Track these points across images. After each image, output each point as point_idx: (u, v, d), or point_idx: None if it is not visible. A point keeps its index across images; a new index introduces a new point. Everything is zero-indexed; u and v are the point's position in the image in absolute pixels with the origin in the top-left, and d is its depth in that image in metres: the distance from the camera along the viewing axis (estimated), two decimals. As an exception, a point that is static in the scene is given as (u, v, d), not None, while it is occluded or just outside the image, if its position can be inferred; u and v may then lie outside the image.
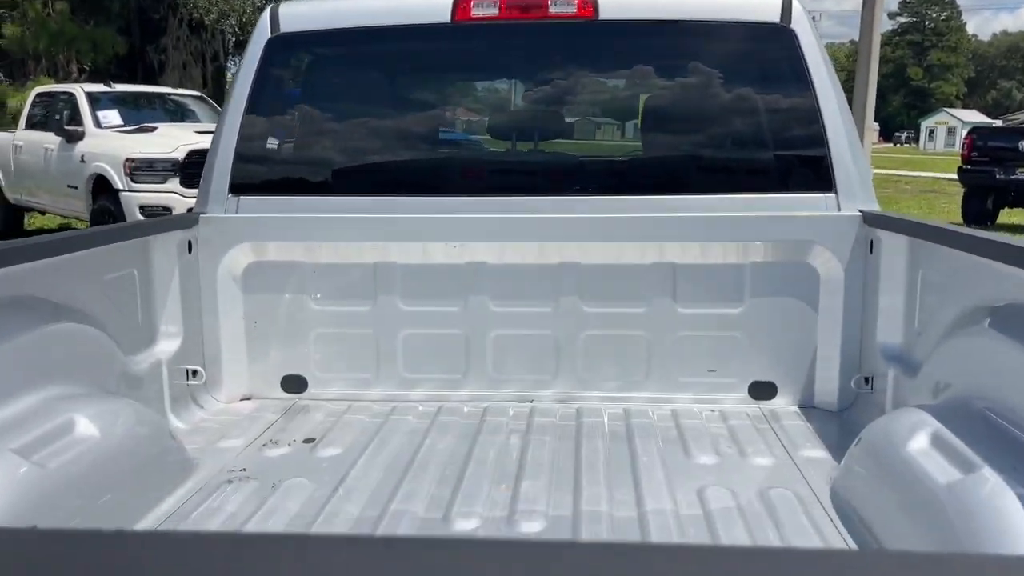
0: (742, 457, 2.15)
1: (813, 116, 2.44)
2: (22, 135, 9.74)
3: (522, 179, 2.57)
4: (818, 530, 1.74)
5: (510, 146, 2.66)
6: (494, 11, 2.47)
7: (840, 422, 2.38)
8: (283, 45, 2.56)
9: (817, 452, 2.19)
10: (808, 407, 2.51)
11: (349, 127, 2.62)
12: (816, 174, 2.46)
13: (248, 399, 2.62)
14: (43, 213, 10.00)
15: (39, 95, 10.03)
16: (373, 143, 2.62)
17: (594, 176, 2.62)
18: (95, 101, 9.00)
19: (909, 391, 2.10)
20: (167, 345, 2.41)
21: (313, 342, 2.59)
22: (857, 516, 1.77)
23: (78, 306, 2.02)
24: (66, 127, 8.73)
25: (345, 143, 2.64)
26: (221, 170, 2.58)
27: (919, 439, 1.68)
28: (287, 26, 2.55)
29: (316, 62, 2.63)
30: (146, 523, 1.78)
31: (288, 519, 1.81)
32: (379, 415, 2.46)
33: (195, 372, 2.49)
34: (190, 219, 2.51)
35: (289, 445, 2.25)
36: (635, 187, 2.54)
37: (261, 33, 2.55)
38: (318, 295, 2.56)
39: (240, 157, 2.56)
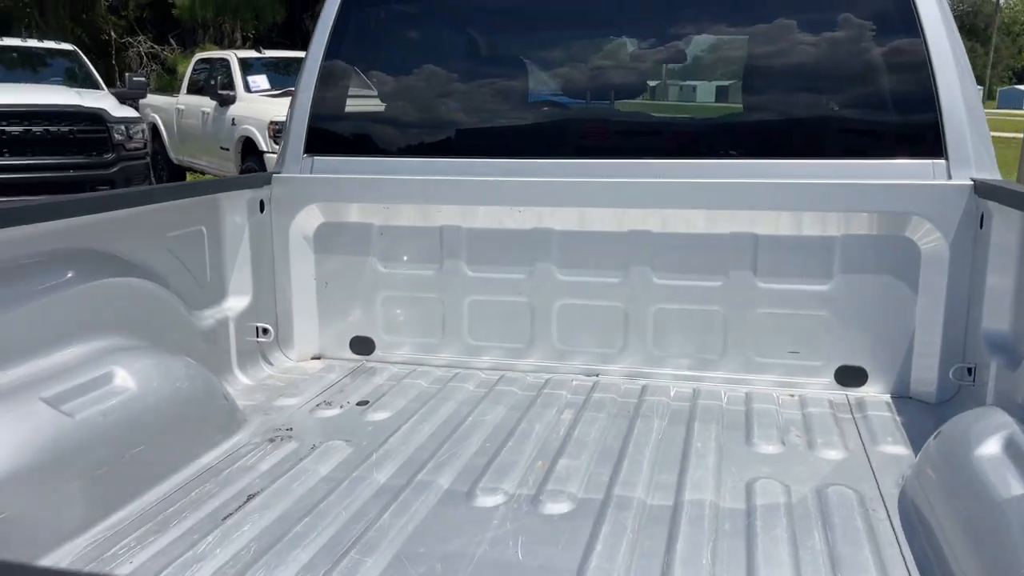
0: (809, 448, 1.96)
1: (923, 73, 2.16)
2: (183, 99, 10.38)
3: (596, 141, 2.43)
4: (872, 536, 1.54)
5: (585, 107, 2.53)
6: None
7: (937, 416, 2.11)
8: (358, 2, 2.53)
9: (899, 448, 1.96)
10: (902, 398, 2.26)
11: (422, 86, 2.56)
12: (924, 137, 2.18)
13: (318, 359, 2.65)
14: (203, 174, 10.65)
15: (199, 61, 10.65)
16: (445, 104, 2.55)
17: (675, 138, 2.44)
18: (247, 67, 9.45)
19: (1015, 386, 1.83)
20: (235, 302, 2.46)
21: (380, 305, 2.57)
22: (921, 523, 1.56)
23: (138, 261, 2.07)
24: (220, 91, 9.22)
25: (417, 103, 2.58)
26: (297, 130, 2.59)
27: (996, 442, 1.45)
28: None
29: (391, 18, 2.58)
30: (178, 477, 1.81)
31: (314, 482, 1.80)
32: (439, 381, 2.41)
33: (265, 330, 2.53)
34: (262, 178, 2.54)
35: (341, 407, 2.24)
36: (716, 151, 2.34)
37: (335, -11, 2.53)
38: (404, 257, 2.53)
39: (315, 117, 2.56)
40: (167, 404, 1.86)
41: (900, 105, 2.24)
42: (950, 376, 2.16)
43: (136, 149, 8.59)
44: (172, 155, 10.76)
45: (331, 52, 2.53)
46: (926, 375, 2.22)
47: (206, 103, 9.59)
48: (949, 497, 1.50)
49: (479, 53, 2.70)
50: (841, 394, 2.28)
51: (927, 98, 2.17)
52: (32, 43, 10.46)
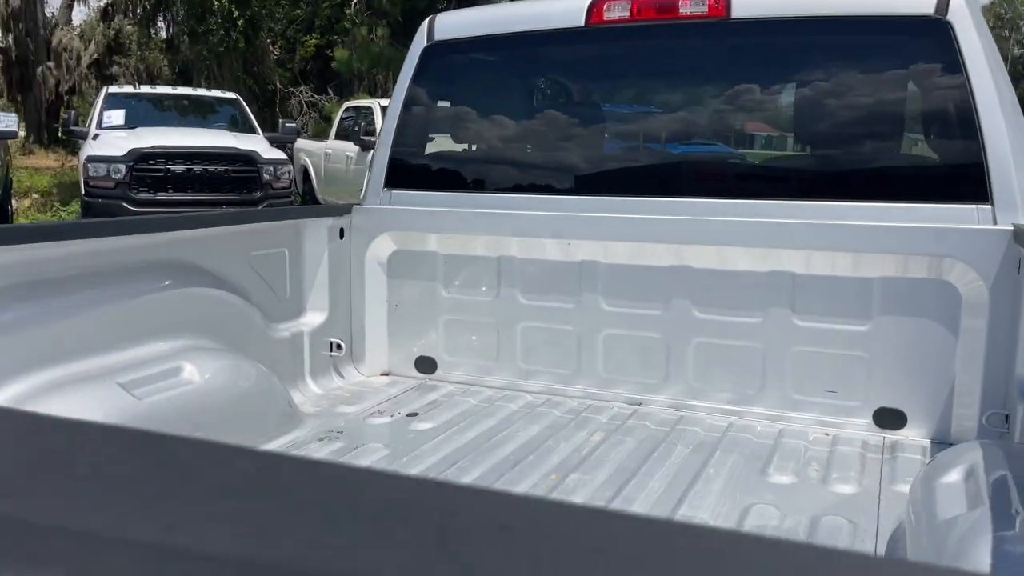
0: (823, 483, 1.98)
1: (968, 118, 2.17)
2: (331, 144, 11.16)
3: (644, 181, 2.55)
4: None
5: (635, 147, 2.65)
6: (626, 14, 2.49)
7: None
8: (437, 52, 2.78)
9: None
10: (942, 443, 2.22)
11: (488, 128, 2.77)
12: (968, 183, 2.18)
13: (386, 375, 2.87)
14: (344, 213, 11.33)
15: (347, 109, 11.44)
16: (507, 145, 2.75)
17: (726, 180, 2.53)
18: (388, 114, 10.07)
19: None
20: (312, 318, 2.72)
21: (443, 328, 2.77)
22: (894, 552, 1.58)
23: (222, 274, 2.36)
24: (363, 137, 9.86)
25: (483, 144, 2.79)
26: (379, 167, 2.85)
27: (954, 476, 1.47)
28: (441, 34, 2.76)
29: (464, 66, 2.82)
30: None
31: None
32: (488, 400, 2.58)
33: (338, 345, 2.78)
34: (343, 208, 2.81)
35: (392, 416, 2.44)
36: (761, 192, 2.42)
37: (418, 42, 2.79)
38: (464, 284, 2.72)
39: (394, 155, 2.82)
40: (228, 399, 2.11)
41: (945, 150, 2.25)
42: (984, 422, 2.12)
43: (282, 188, 9.32)
44: (319, 195, 11.54)
45: (409, 100, 2.79)
46: (966, 422, 2.19)
47: (350, 147, 10.27)
48: (909, 526, 1.52)
49: (534, 98, 2.89)
50: (879, 436, 2.27)
51: (972, 143, 2.17)
52: (202, 92, 11.54)
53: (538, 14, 2.64)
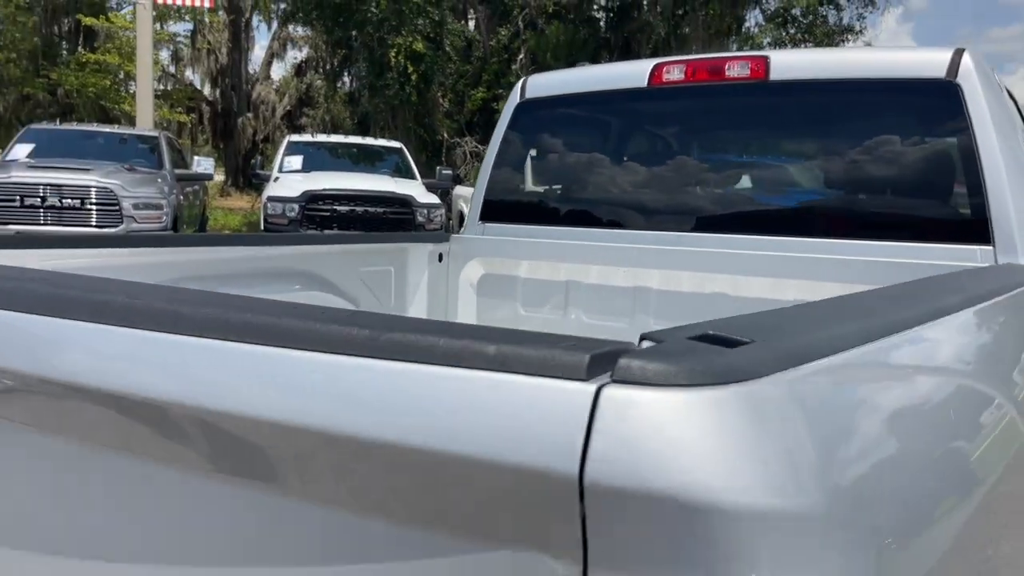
0: None
1: (974, 171, 2.42)
2: (483, 190, 11.96)
3: (690, 219, 2.92)
4: None
5: (689, 191, 3.02)
6: (681, 76, 2.90)
7: None
8: (527, 108, 3.28)
9: None
10: None
11: (566, 172, 3.23)
12: (973, 227, 2.42)
13: None
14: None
15: (499, 158, 12.24)
16: (581, 186, 3.20)
17: (769, 220, 2.86)
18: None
19: None
20: None
21: None
22: None
23: (338, 284, 2.94)
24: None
25: (563, 185, 3.26)
26: (476, 203, 3.38)
27: None
28: (531, 93, 3.27)
29: (549, 120, 3.29)
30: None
31: None
32: None
33: None
34: (444, 236, 3.35)
35: None
36: (797, 230, 2.73)
37: (513, 99, 3.31)
38: (554, 307, 3.18)
39: (488, 194, 3.33)
40: None
41: (955, 198, 2.50)
42: None
43: (435, 230, 10.12)
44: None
45: (503, 148, 3.31)
46: None
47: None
48: None
49: (608, 150, 3.30)
50: None
51: (977, 194, 2.41)
52: (370, 141, 12.67)
53: (610, 75, 3.10)
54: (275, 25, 35.41)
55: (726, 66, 2.81)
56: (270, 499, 0.78)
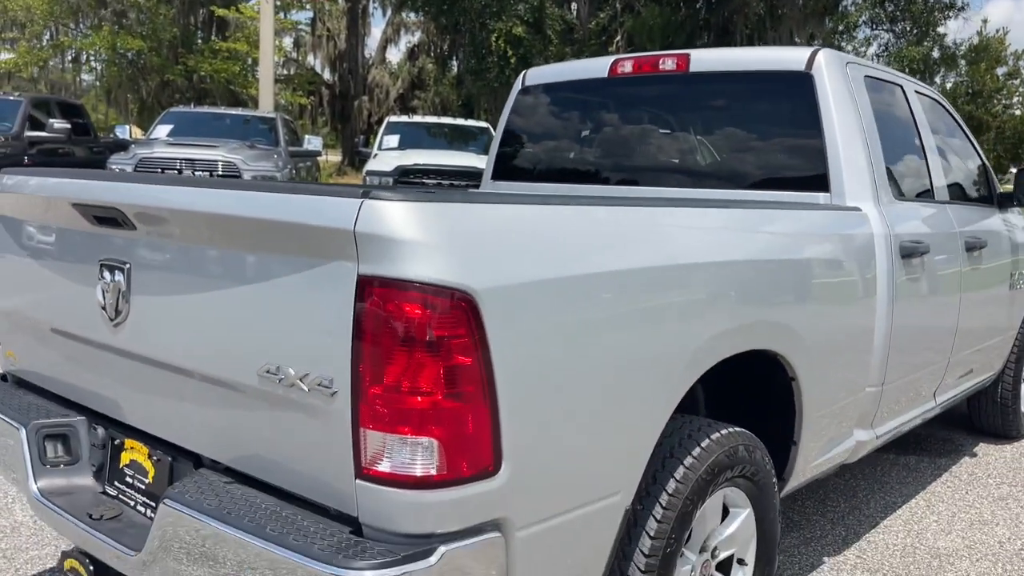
0: None
1: (819, 138, 3.30)
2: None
3: (637, 175, 3.89)
4: None
5: (635, 155, 3.98)
6: (630, 69, 3.88)
7: None
8: (526, 93, 4.32)
9: None
10: None
11: (554, 142, 4.25)
12: (818, 179, 3.31)
13: None
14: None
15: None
16: (564, 152, 4.21)
17: (674, 178, 3.80)
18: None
19: None
20: None
21: None
22: None
23: None
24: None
25: (552, 152, 4.28)
26: (489, 166, 4.43)
27: None
28: (529, 82, 4.30)
29: (542, 103, 4.31)
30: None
31: None
32: None
33: None
34: (466, 188, 4.42)
35: None
36: (701, 184, 3.68)
37: (516, 86, 4.34)
38: None
39: (498, 160, 4.38)
40: None
41: (807, 158, 3.38)
42: None
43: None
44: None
45: (508, 124, 4.34)
46: None
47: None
48: None
49: (583, 126, 4.27)
50: None
51: (821, 155, 3.29)
52: (460, 121, 13.87)
53: (584, 68, 4.09)
54: (390, 11, 37.09)
55: (660, 61, 3.77)
56: (220, 252, 1.87)
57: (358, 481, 1.69)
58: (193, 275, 1.99)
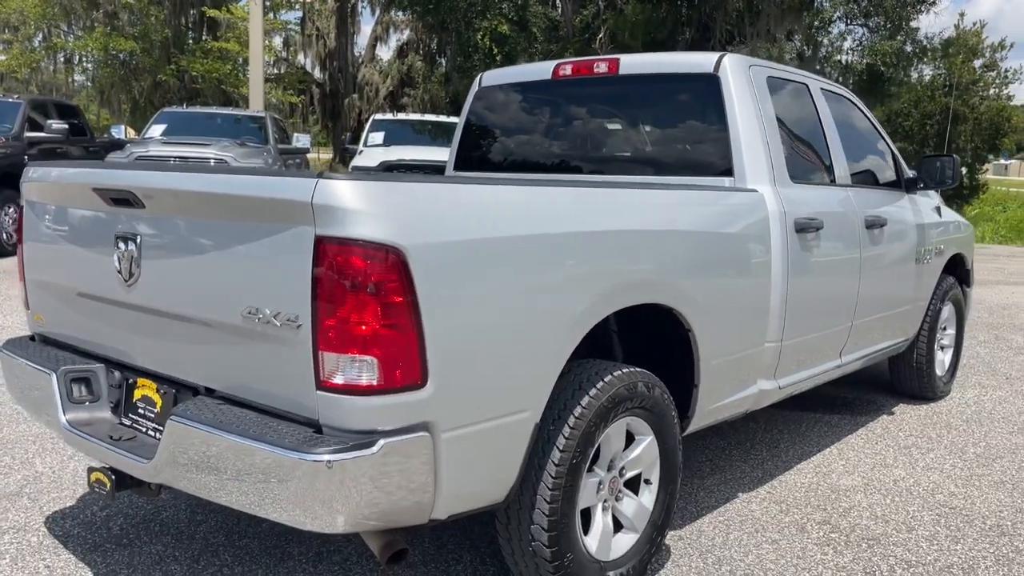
0: None
1: (725, 130, 3.86)
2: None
3: (576, 164, 4.44)
4: None
5: (574, 147, 4.53)
6: (570, 72, 4.43)
7: None
8: (482, 93, 4.86)
9: None
10: None
11: (507, 136, 4.80)
12: (725, 166, 3.87)
13: None
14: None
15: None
16: (517, 144, 4.76)
17: (606, 165, 4.35)
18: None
19: None
20: None
21: None
22: None
23: None
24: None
25: (505, 145, 4.83)
26: (452, 158, 4.98)
27: None
28: (485, 83, 4.84)
29: (496, 101, 4.86)
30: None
31: None
32: None
33: None
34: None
35: None
36: (628, 172, 4.23)
37: (474, 87, 4.89)
38: None
39: (459, 151, 4.94)
40: None
41: (715, 148, 3.93)
42: None
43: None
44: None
45: (467, 119, 4.90)
46: None
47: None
48: None
49: (532, 121, 4.82)
50: None
51: (727, 144, 3.85)
52: (443, 118, 14.40)
53: (532, 71, 4.64)
54: (378, 10, 37.52)
55: (595, 65, 4.33)
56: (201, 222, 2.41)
57: (318, 392, 2.24)
58: (190, 241, 2.54)
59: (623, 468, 3.08)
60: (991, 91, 26.70)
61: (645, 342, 3.37)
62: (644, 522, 3.14)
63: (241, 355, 2.44)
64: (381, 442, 2.21)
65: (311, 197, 2.18)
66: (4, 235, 11.01)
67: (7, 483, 3.91)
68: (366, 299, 2.19)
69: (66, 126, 12.08)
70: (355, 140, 15.23)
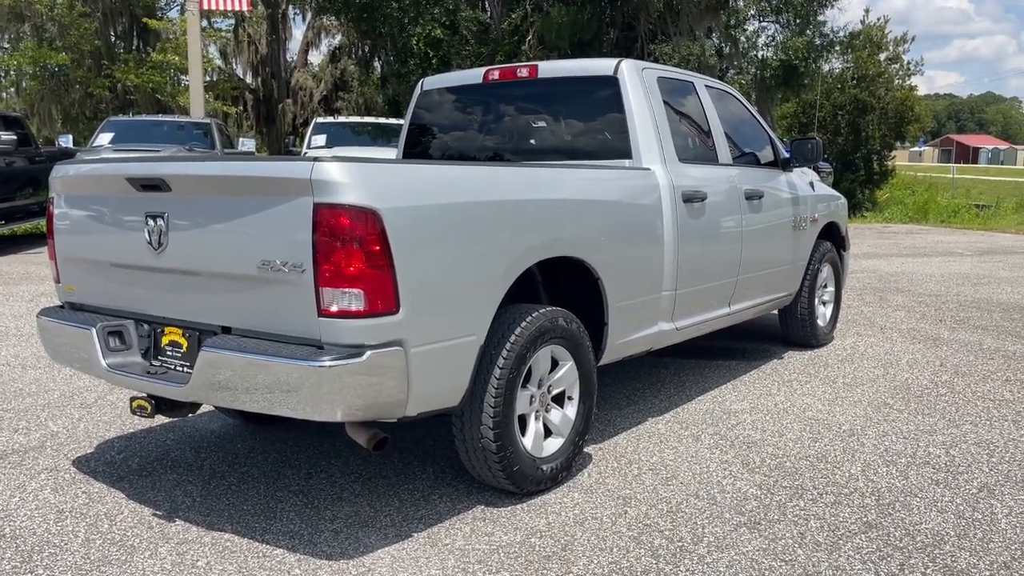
0: None
1: (624, 123, 4.75)
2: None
3: (506, 155, 5.31)
4: None
5: (502, 141, 5.40)
6: (497, 76, 5.30)
7: None
8: (425, 94, 5.70)
9: None
10: None
11: (446, 132, 5.65)
12: (625, 151, 4.78)
13: None
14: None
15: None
16: (453, 139, 5.61)
17: (531, 154, 5.24)
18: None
19: None
20: None
21: None
22: None
23: None
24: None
25: (444, 139, 5.67)
26: (399, 152, 5.80)
27: None
28: (427, 86, 5.68)
29: (436, 102, 5.70)
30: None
31: None
32: None
33: None
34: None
35: None
36: (545, 159, 5.12)
37: (417, 89, 5.72)
38: None
39: (406, 148, 5.76)
40: None
41: (615, 137, 4.84)
42: None
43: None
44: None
45: (412, 119, 5.72)
46: None
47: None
48: None
49: (466, 119, 5.67)
50: None
51: (626, 134, 4.76)
52: (381, 120, 15.13)
53: (467, 76, 5.50)
54: (310, 15, 37.84)
55: (518, 70, 5.20)
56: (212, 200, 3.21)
57: (320, 318, 3.06)
58: (212, 213, 3.33)
59: (550, 386, 3.95)
60: (895, 82, 28.43)
61: (567, 291, 4.25)
62: (568, 428, 4.02)
63: (255, 298, 3.24)
64: (368, 353, 3.04)
65: (310, 174, 3.00)
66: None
67: (29, 439, 4.61)
68: (352, 248, 3.01)
69: (15, 137, 12.50)
70: (297, 142, 15.87)
